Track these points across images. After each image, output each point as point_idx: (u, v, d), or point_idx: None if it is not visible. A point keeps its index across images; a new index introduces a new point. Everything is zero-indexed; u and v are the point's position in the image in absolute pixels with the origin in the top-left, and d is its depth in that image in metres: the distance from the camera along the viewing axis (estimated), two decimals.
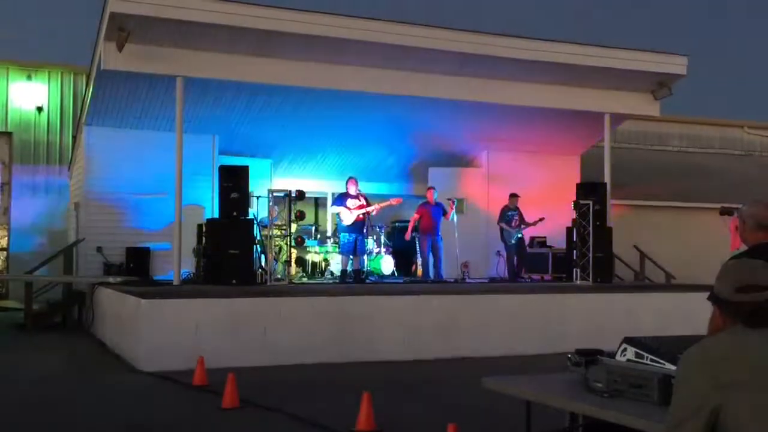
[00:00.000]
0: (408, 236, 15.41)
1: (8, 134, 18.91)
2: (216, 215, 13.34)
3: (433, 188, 15.48)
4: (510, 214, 15.89)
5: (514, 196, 16.02)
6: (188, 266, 13.83)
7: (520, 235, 15.88)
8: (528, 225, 15.90)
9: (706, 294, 2.63)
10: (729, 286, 2.41)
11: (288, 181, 16.61)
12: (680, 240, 19.55)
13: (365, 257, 14.69)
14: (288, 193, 13.51)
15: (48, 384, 8.78)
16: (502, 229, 15.90)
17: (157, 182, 14.57)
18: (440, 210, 15.22)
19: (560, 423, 4.22)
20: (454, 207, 15.28)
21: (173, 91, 12.55)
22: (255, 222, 13.25)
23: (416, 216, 15.30)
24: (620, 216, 17.75)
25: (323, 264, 15.04)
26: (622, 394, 3.45)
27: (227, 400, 7.23)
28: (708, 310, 2.74)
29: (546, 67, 14.16)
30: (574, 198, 14.63)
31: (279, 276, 13.37)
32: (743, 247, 4.50)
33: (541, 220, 15.95)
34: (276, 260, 13.48)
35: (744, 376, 2.23)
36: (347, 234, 14.03)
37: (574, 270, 14.37)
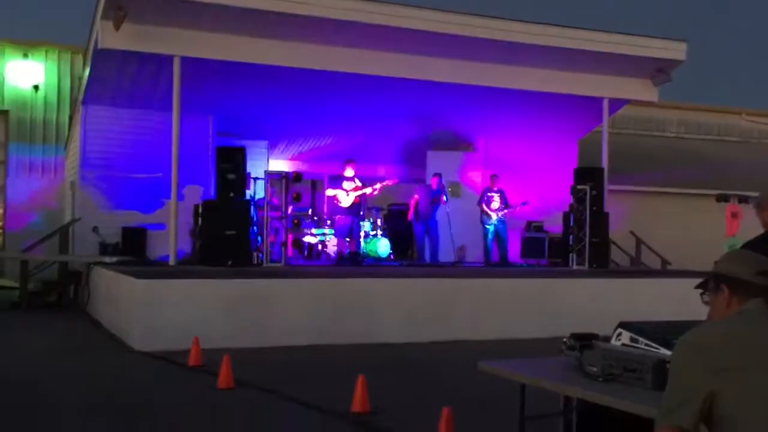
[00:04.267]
0: (411, 216, 15.41)
1: (4, 112, 18.83)
2: (213, 196, 13.31)
3: (438, 175, 15.43)
4: (489, 195, 15.63)
5: (493, 176, 15.94)
6: (185, 247, 13.82)
7: (496, 222, 15.49)
8: (510, 207, 15.64)
9: (701, 280, 2.63)
10: (750, 269, 2.48)
11: (285, 163, 16.59)
12: (676, 226, 19.57)
13: (361, 240, 14.69)
14: (285, 175, 13.49)
15: (42, 363, 8.79)
16: (482, 212, 15.75)
17: (154, 162, 14.54)
18: (438, 195, 15.22)
19: (555, 406, 4.24)
20: (445, 191, 15.30)
21: (170, 71, 12.48)
22: (251, 203, 13.23)
23: (416, 197, 15.34)
24: (617, 201, 17.75)
25: (319, 246, 15.03)
26: (616, 378, 3.46)
27: (222, 381, 7.25)
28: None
29: (545, 51, 14.09)
30: (572, 183, 14.63)
31: (275, 258, 13.36)
32: (739, 234, 4.52)
33: (524, 203, 15.84)
34: (272, 242, 13.47)
35: (739, 361, 2.24)
36: (344, 216, 14.03)
37: (571, 255, 14.37)
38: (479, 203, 15.66)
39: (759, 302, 2.41)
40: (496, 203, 15.56)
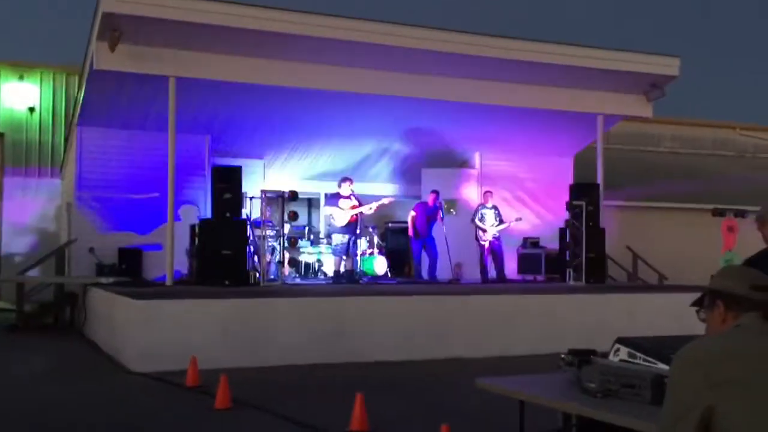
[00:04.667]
0: (411, 232, 15.40)
1: (0, 135, 18.84)
2: (209, 215, 13.31)
3: (435, 192, 15.42)
4: (483, 212, 15.57)
5: (487, 193, 15.94)
6: (182, 267, 13.81)
7: (490, 238, 15.42)
8: (504, 223, 15.60)
9: (698, 295, 2.64)
10: (744, 284, 2.48)
11: (281, 182, 16.61)
12: (673, 241, 19.59)
13: (358, 258, 14.68)
14: (281, 194, 13.50)
15: (39, 385, 8.75)
16: (476, 228, 15.71)
17: (150, 183, 14.55)
18: (434, 212, 15.22)
19: (553, 423, 4.22)
20: (442, 208, 15.27)
21: (166, 92, 12.52)
22: (248, 222, 13.23)
23: (413, 214, 15.33)
24: (613, 217, 17.79)
25: (316, 265, 15.02)
26: (614, 394, 3.46)
27: (220, 401, 7.21)
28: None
29: (539, 68, 14.17)
30: (567, 199, 14.66)
31: (272, 277, 13.35)
32: (735, 248, 4.55)
33: (518, 219, 15.83)
34: (269, 261, 13.46)
35: (737, 375, 2.24)
36: (340, 235, 14.04)
37: (567, 271, 14.39)
38: (472, 220, 15.65)
39: (754, 316, 2.41)
40: (489, 220, 15.54)
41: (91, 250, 14.76)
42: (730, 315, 2.47)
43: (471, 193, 17.42)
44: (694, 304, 2.66)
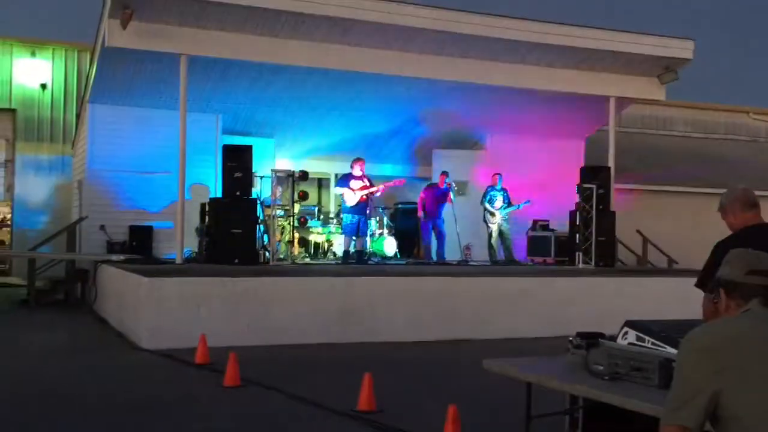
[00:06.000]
0: (420, 214, 15.38)
1: (12, 111, 18.88)
2: (220, 194, 13.34)
3: (446, 173, 15.37)
4: (492, 194, 15.57)
5: (496, 175, 15.89)
6: (191, 245, 13.86)
7: (499, 221, 15.46)
8: (512, 207, 15.60)
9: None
10: (740, 270, 2.47)
11: (291, 161, 16.61)
12: (683, 225, 19.51)
13: (368, 238, 14.69)
14: (291, 174, 13.49)
15: (50, 361, 8.82)
16: (485, 210, 15.70)
17: (161, 161, 14.57)
18: (444, 193, 15.20)
19: (560, 405, 4.24)
20: (452, 190, 15.21)
21: (177, 70, 12.50)
22: (258, 202, 13.25)
23: (423, 195, 15.31)
24: (624, 200, 17.71)
25: (326, 245, 15.04)
26: (622, 377, 3.47)
27: (229, 379, 7.26)
28: None
29: (552, 49, 14.07)
30: (578, 182, 14.61)
31: (281, 256, 13.39)
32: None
33: (527, 202, 15.77)
34: (279, 240, 13.49)
35: (744, 360, 2.25)
36: (350, 215, 14.04)
37: (577, 254, 14.36)
38: (482, 202, 15.65)
39: (758, 302, 2.41)
40: (499, 202, 15.54)
41: (102, 227, 14.81)
42: (732, 301, 2.47)
43: (482, 174, 17.36)
44: (696, 285, 2.67)
